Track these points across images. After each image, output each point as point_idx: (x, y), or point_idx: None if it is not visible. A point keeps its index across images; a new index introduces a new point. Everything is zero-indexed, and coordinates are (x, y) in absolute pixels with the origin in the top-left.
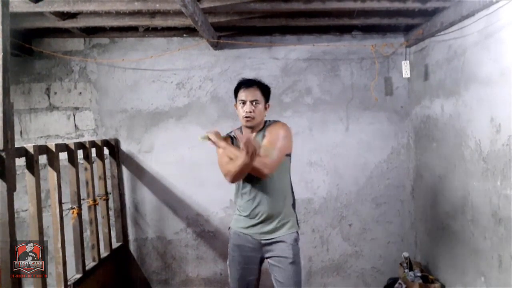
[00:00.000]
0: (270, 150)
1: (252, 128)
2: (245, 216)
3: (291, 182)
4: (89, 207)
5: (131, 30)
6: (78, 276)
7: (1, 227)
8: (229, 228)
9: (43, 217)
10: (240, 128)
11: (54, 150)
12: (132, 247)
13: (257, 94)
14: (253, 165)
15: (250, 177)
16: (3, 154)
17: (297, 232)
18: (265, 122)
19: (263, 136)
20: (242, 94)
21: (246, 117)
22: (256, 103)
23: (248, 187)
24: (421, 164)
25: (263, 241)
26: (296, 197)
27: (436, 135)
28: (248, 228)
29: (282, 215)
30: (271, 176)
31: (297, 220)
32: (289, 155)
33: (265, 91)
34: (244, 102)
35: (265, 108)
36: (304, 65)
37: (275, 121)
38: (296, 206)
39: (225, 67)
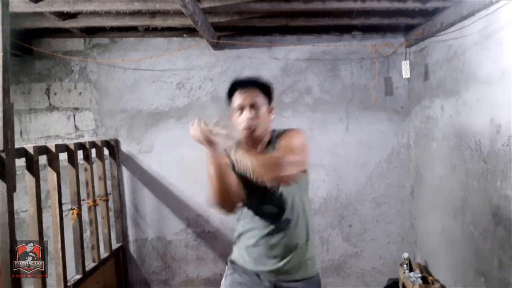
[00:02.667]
0: (286, 149)
1: (255, 142)
2: (253, 247)
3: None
4: (89, 207)
5: (131, 30)
6: (78, 276)
7: (1, 227)
8: (226, 263)
9: (43, 218)
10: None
11: (54, 150)
12: (132, 247)
13: (257, 95)
14: (262, 167)
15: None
16: (3, 154)
17: (319, 272)
18: (273, 131)
19: (272, 145)
20: (238, 98)
21: (247, 128)
22: (257, 107)
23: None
24: (421, 164)
25: (278, 283)
26: None
27: (436, 135)
28: (259, 264)
29: (305, 248)
30: (294, 181)
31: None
32: (305, 171)
33: (267, 90)
34: (241, 108)
35: (269, 112)
36: (304, 65)
37: (287, 129)
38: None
39: (225, 67)
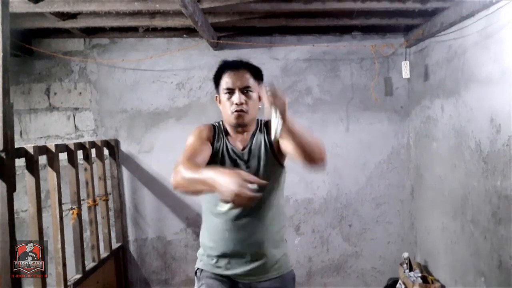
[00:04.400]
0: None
1: (243, 128)
2: (222, 252)
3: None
4: (89, 207)
5: (131, 30)
6: (78, 276)
7: (1, 227)
8: (195, 272)
9: (43, 218)
10: (222, 129)
11: (54, 150)
12: (132, 247)
13: (249, 79)
14: (306, 142)
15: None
16: (3, 154)
17: (292, 268)
18: (258, 121)
19: (265, 141)
20: (228, 81)
21: (237, 111)
22: (248, 91)
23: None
24: (421, 164)
25: (253, 284)
26: (296, 197)
27: (436, 135)
28: (230, 268)
29: (279, 247)
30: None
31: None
32: (284, 166)
33: (258, 74)
34: (231, 91)
35: (260, 99)
36: (304, 65)
37: None
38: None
39: None
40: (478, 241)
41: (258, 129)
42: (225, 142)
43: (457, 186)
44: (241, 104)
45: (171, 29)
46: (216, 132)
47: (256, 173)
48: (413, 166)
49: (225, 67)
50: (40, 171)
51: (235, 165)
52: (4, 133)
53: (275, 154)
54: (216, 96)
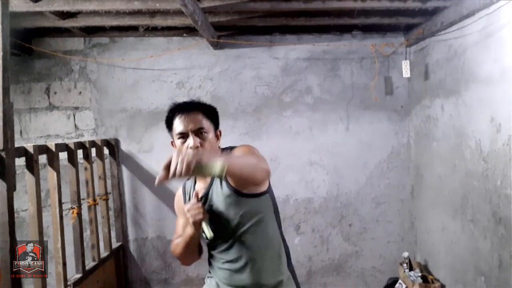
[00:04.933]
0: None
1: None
2: (224, 284)
3: (280, 230)
4: (89, 207)
5: (131, 29)
6: (78, 276)
7: (1, 227)
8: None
9: (43, 217)
10: (191, 179)
11: (54, 149)
12: (132, 246)
13: (201, 120)
14: (238, 170)
15: (225, 227)
16: (3, 153)
17: None
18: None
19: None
20: (180, 124)
21: None
22: (203, 133)
23: (224, 243)
24: (421, 164)
25: None
26: (296, 197)
27: (436, 135)
28: None
29: (278, 275)
30: (268, 177)
31: (296, 280)
32: (266, 192)
33: (211, 112)
34: (184, 135)
35: (217, 137)
36: (304, 64)
37: (236, 146)
38: (291, 260)
39: (225, 67)
40: (478, 241)
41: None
42: (193, 189)
43: (457, 186)
44: (197, 147)
45: (171, 28)
46: (185, 191)
47: (221, 213)
48: (413, 165)
49: (175, 110)
50: (40, 171)
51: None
52: (4, 132)
53: (233, 188)
54: (172, 141)
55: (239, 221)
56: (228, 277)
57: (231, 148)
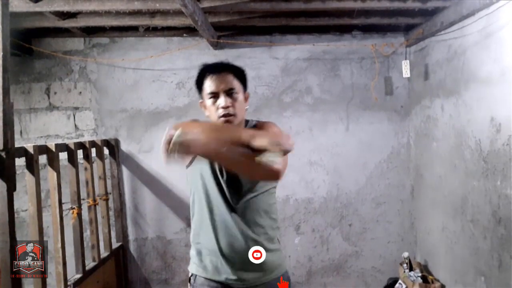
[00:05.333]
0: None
1: None
2: (211, 255)
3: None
4: (89, 207)
5: (131, 29)
6: (78, 276)
7: (1, 227)
8: (189, 279)
9: (43, 217)
10: None
11: (54, 150)
12: (132, 247)
13: (232, 80)
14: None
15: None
16: (3, 154)
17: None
18: (246, 122)
19: None
20: (211, 84)
21: (224, 115)
22: (233, 93)
23: (220, 206)
24: (421, 164)
25: None
26: (296, 197)
27: (436, 135)
28: (221, 272)
29: (271, 246)
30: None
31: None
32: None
33: (241, 75)
34: (215, 95)
35: (246, 100)
36: (304, 64)
37: (262, 121)
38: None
39: None
40: (478, 241)
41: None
42: None
43: (457, 186)
44: (227, 107)
45: (171, 28)
46: None
47: (239, 184)
48: (413, 165)
49: (206, 70)
50: (40, 171)
51: (215, 175)
52: (4, 132)
53: None
54: (201, 102)
55: (251, 186)
56: (223, 240)
57: (255, 123)
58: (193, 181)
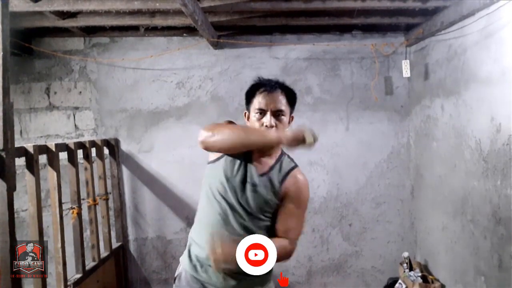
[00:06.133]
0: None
1: (265, 152)
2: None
3: None
4: (89, 207)
5: (131, 29)
6: (78, 276)
7: (1, 227)
8: (175, 279)
9: (43, 217)
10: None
11: (54, 149)
12: (132, 246)
13: (282, 101)
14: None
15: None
16: (3, 153)
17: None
18: (282, 153)
19: (280, 172)
20: (261, 101)
21: None
22: (280, 115)
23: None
24: (421, 164)
25: None
26: None
27: (436, 135)
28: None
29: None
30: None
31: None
32: None
33: (292, 97)
34: (262, 112)
35: (289, 122)
36: (304, 64)
37: (299, 175)
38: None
39: (225, 67)
40: (478, 241)
41: (279, 163)
42: (249, 155)
43: (457, 186)
44: (272, 127)
45: (171, 28)
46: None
47: (259, 200)
48: (413, 165)
49: (260, 85)
50: (40, 171)
51: (242, 182)
52: (4, 132)
53: (277, 193)
54: (245, 112)
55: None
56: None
57: (292, 168)
58: (211, 176)
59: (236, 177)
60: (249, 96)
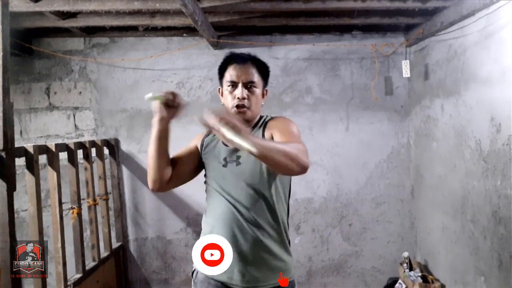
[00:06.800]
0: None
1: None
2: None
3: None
4: (89, 207)
5: (131, 29)
6: (78, 276)
7: (1, 227)
8: (192, 273)
9: (43, 217)
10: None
11: (54, 150)
12: (132, 247)
13: (253, 73)
14: (271, 156)
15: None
16: (3, 154)
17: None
18: (261, 117)
19: (260, 129)
20: (232, 73)
21: (238, 106)
22: (252, 87)
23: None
24: (421, 164)
25: None
26: (296, 196)
27: (436, 135)
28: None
29: (277, 248)
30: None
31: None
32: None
33: (264, 70)
34: (234, 85)
35: (263, 96)
36: (304, 64)
37: (276, 116)
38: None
39: None
40: (478, 241)
41: (258, 125)
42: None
43: (457, 186)
44: (243, 99)
45: (171, 28)
46: (205, 140)
47: (247, 167)
48: (413, 165)
49: (231, 59)
50: (40, 171)
51: (225, 159)
52: (4, 132)
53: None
54: (219, 88)
55: (258, 171)
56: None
57: (270, 119)
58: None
59: (220, 158)
60: (221, 70)
